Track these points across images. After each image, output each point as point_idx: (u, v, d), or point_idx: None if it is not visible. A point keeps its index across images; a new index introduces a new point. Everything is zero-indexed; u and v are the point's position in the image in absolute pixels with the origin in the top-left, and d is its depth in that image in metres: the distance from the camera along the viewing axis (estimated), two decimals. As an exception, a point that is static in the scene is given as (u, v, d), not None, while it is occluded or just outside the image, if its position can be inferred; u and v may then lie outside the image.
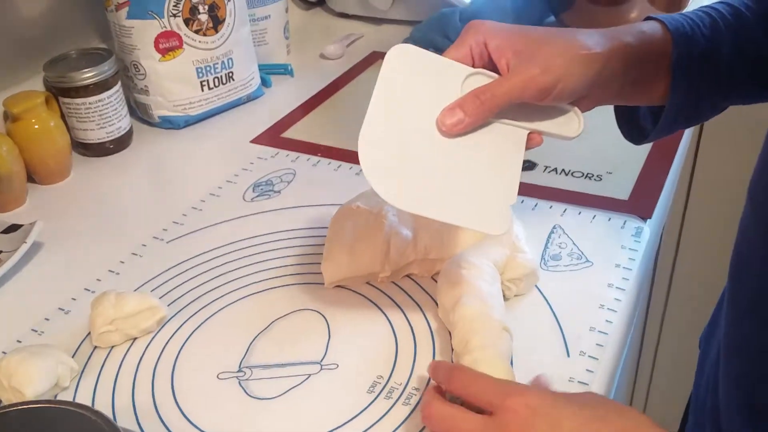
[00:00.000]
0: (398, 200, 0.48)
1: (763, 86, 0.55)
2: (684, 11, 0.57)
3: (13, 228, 0.68)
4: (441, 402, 0.45)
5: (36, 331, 0.59)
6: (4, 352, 0.56)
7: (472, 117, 0.49)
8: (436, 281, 0.60)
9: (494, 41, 0.51)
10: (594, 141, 0.76)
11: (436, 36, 1.01)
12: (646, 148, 0.77)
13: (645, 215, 0.68)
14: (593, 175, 0.75)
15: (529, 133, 0.53)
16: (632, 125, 0.60)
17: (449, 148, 0.50)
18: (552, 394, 0.44)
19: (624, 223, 0.67)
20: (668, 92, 0.54)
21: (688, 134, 0.85)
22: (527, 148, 0.53)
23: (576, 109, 0.54)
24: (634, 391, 1.22)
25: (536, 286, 0.60)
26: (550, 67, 0.49)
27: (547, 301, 0.59)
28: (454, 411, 0.44)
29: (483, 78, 0.51)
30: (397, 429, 0.49)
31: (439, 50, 1.08)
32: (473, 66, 0.52)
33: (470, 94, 0.50)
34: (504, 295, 0.58)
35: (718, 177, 1.13)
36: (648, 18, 0.55)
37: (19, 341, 0.57)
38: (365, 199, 0.64)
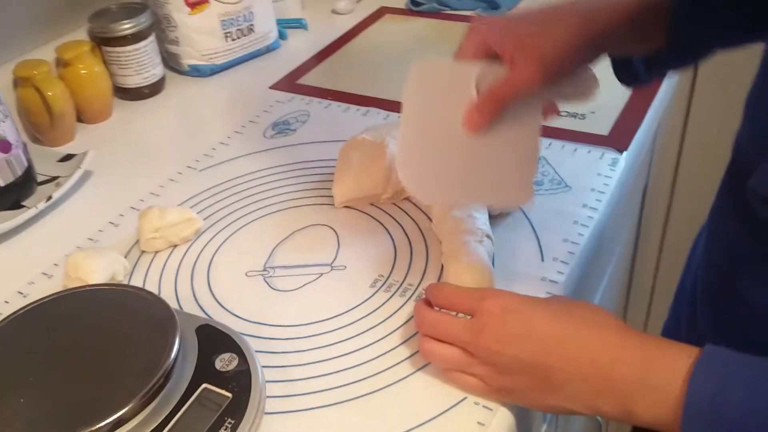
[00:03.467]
0: (434, 198, 0.56)
1: (749, 28, 0.56)
2: None
3: (68, 157, 0.78)
4: (430, 310, 0.53)
5: (92, 239, 0.70)
6: (66, 255, 0.67)
7: (488, 116, 0.53)
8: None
9: (493, 39, 0.53)
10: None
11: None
12: (627, 90, 0.86)
13: (621, 148, 0.77)
14: (577, 114, 0.84)
15: (547, 105, 0.57)
16: (626, 69, 0.61)
17: (473, 140, 0.55)
18: (523, 295, 0.50)
19: (602, 155, 0.76)
20: (663, 43, 0.56)
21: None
22: (547, 118, 0.57)
23: (592, 73, 0.57)
24: (627, 307, 1.31)
25: (520, 207, 0.70)
26: (548, 58, 0.51)
27: (527, 217, 0.69)
28: (440, 315, 0.52)
29: (492, 70, 0.53)
30: (392, 314, 0.59)
31: (446, 3, 1.15)
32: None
33: (483, 95, 0.53)
34: (490, 213, 0.67)
35: (714, 114, 1.20)
36: None
37: (78, 247, 0.68)
38: (370, 132, 0.74)
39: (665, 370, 0.43)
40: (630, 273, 1.26)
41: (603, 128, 0.81)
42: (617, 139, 0.79)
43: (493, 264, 0.62)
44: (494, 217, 0.68)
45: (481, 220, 0.64)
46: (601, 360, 0.45)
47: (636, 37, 0.56)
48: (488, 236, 0.63)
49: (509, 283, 0.61)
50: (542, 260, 0.64)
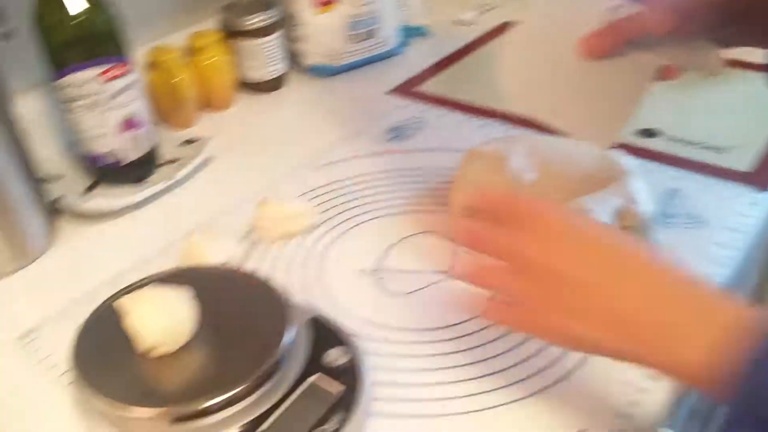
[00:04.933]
0: (520, 106, 0.56)
1: None
2: None
3: (189, 141, 0.80)
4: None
5: (207, 224, 0.70)
6: (182, 236, 0.67)
7: (606, 44, 0.53)
8: (551, 220, 0.67)
9: None
10: (719, 114, 0.80)
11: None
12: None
13: (763, 186, 0.71)
14: (715, 147, 0.78)
15: (667, 65, 0.56)
16: None
17: (582, 69, 0.55)
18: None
19: (742, 193, 0.71)
20: None
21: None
22: (664, 78, 0.57)
23: (716, 50, 0.56)
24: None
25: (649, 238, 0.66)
26: (682, 5, 0.51)
27: (653, 248, 0.65)
28: (481, 224, 0.47)
29: (624, 9, 0.54)
30: (509, 332, 0.57)
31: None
32: None
33: (605, 27, 0.53)
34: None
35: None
36: None
37: (194, 229, 0.69)
38: (492, 144, 0.72)
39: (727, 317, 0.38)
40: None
41: (742, 164, 0.76)
42: (758, 176, 0.73)
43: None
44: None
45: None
46: (646, 295, 0.40)
47: None
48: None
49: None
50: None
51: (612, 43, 0.53)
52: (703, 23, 0.52)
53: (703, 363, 0.37)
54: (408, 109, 0.90)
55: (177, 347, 0.48)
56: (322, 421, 0.45)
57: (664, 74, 0.57)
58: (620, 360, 0.42)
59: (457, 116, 0.87)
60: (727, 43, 0.56)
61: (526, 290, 0.44)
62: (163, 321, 0.47)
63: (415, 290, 0.61)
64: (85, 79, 0.67)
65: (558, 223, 0.44)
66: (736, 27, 0.54)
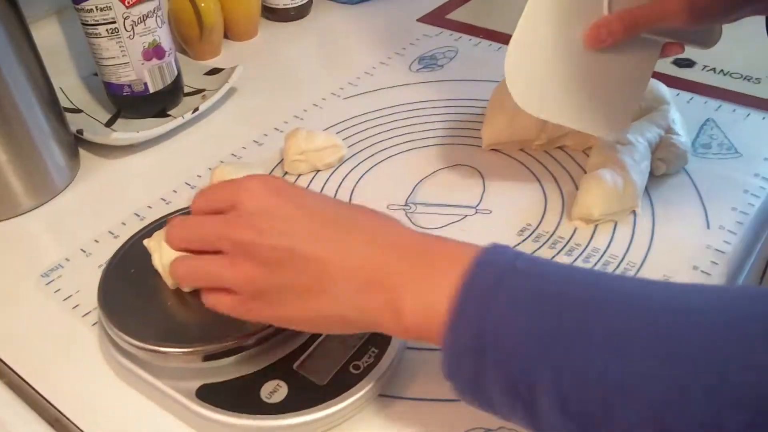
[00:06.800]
0: (534, 108, 0.54)
1: None
2: None
3: (215, 71, 0.78)
4: (185, 217, 0.41)
5: (235, 155, 0.69)
6: (210, 168, 0.66)
7: (613, 37, 0.53)
8: (587, 155, 0.65)
9: None
10: (756, 45, 0.76)
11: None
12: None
13: (801, 117, 0.69)
14: (752, 78, 0.76)
15: (669, 43, 0.56)
16: None
17: (588, 58, 0.53)
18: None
19: (778, 123, 0.69)
20: None
21: None
22: (666, 55, 0.57)
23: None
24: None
25: (684, 168, 0.64)
26: (695, 2, 0.49)
27: (693, 181, 0.63)
28: (192, 217, 0.41)
29: None
30: (542, 266, 0.56)
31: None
32: None
33: (616, 15, 0.52)
34: (653, 172, 0.62)
35: None
36: None
37: (222, 161, 0.68)
38: (529, 73, 0.69)
39: (439, 272, 0.36)
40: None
41: (782, 94, 0.73)
42: (798, 106, 0.71)
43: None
44: (657, 178, 0.63)
45: (635, 184, 0.58)
46: (378, 251, 0.38)
47: None
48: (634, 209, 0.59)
49: (671, 248, 0.56)
50: (708, 227, 0.58)
51: (623, 35, 0.52)
52: (719, 15, 0.51)
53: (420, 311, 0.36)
54: (439, 38, 0.87)
55: (207, 282, 0.47)
56: (357, 355, 0.45)
57: (667, 51, 0.57)
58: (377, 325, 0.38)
59: (492, 45, 0.84)
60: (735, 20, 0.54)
61: (250, 276, 0.38)
62: (192, 256, 0.46)
63: (445, 225, 0.60)
64: (109, 2, 0.65)
65: (263, 197, 0.39)
66: (750, 9, 0.52)
